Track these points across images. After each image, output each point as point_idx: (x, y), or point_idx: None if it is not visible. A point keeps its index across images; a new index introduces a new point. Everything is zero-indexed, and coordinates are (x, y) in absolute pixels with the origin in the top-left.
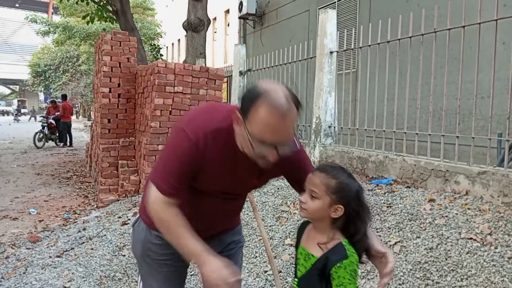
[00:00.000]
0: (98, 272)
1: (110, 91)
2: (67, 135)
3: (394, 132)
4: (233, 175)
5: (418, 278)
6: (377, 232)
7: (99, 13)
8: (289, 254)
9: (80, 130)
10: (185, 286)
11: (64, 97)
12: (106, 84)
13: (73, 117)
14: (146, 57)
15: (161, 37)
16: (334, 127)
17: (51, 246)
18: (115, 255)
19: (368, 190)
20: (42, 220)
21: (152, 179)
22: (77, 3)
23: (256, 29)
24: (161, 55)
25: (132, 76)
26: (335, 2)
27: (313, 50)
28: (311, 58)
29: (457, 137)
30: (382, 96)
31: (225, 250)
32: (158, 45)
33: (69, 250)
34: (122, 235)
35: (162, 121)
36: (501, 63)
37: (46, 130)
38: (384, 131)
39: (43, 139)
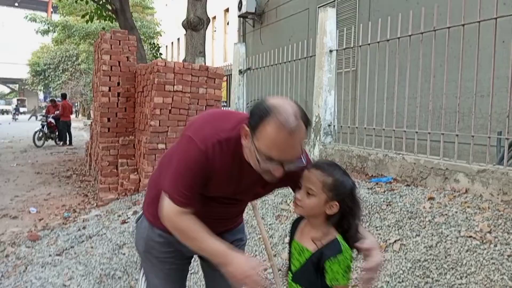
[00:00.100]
0: (98, 271)
1: (109, 90)
2: (67, 134)
3: (394, 130)
4: (239, 184)
5: (418, 276)
6: (377, 230)
7: (99, 12)
8: (288, 253)
9: (79, 129)
10: (186, 284)
11: (63, 96)
12: (106, 83)
13: (73, 116)
14: (145, 56)
15: (161, 36)
16: (334, 126)
17: (51, 244)
18: (115, 254)
19: (368, 188)
20: (42, 219)
21: (165, 189)
22: (76, 2)
23: (256, 27)
24: (161, 54)
25: (132, 75)
26: (334, 0)
27: (312, 48)
28: (310, 56)
29: (457, 135)
30: (382, 95)
31: None
32: (158, 44)
33: (69, 249)
34: (122, 233)
35: (161, 119)
36: (500, 62)
37: (45, 129)
38: (383, 129)
39: (43, 138)
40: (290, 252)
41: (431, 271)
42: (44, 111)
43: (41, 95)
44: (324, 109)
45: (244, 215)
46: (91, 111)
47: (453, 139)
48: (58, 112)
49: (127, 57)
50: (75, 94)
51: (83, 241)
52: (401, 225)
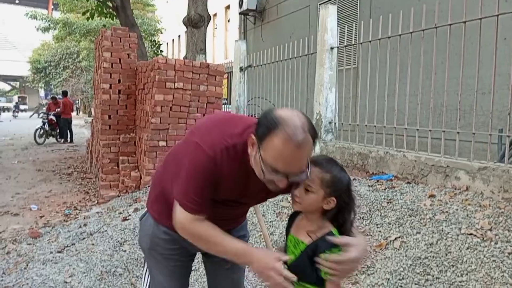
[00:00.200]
0: (99, 268)
1: (110, 87)
2: (68, 131)
3: (395, 128)
4: (244, 189)
5: (418, 273)
6: (378, 227)
7: (99, 9)
8: (284, 247)
9: (80, 126)
10: (189, 280)
11: (64, 93)
12: (107, 80)
13: (74, 114)
14: (146, 53)
15: (161, 33)
16: (335, 123)
17: (52, 241)
18: (116, 251)
19: (369, 186)
20: (43, 216)
21: (176, 198)
22: None
23: (257, 25)
24: (161, 51)
25: (133, 72)
26: None
27: (313, 46)
28: (311, 54)
29: (458, 132)
30: (383, 92)
31: None
32: (159, 41)
33: (70, 246)
34: (123, 230)
35: (162, 117)
36: (502, 59)
37: (46, 127)
38: (384, 127)
39: (44, 136)
40: (286, 246)
41: (432, 269)
42: (45, 108)
43: (42, 93)
44: (325, 107)
45: None
46: (92, 108)
47: (454, 136)
48: (59, 109)
49: (128, 54)
50: (76, 92)
51: (84, 238)
52: (401, 222)
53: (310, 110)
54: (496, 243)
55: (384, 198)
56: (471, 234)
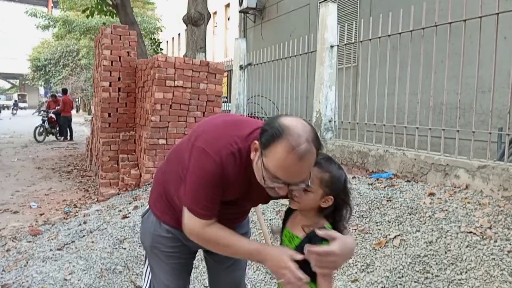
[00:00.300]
0: (99, 265)
1: (110, 85)
2: (68, 129)
3: (395, 126)
4: (248, 192)
5: (418, 271)
6: (377, 225)
7: (99, 7)
8: (280, 241)
9: (80, 124)
10: (190, 278)
11: (64, 91)
12: (106, 78)
13: (74, 112)
14: (146, 51)
15: (161, 31)
16: (335, 122)
17: (51, 239)
18: (116, 248)
19: (368, 184)
20: (43, 214)
21: (186, 205)
22: None
23: (257, 23)
24: (161, 49)
25: (132, 70)
26: None
27: (313, 44)
28: (311, 52)
29: (458, 131)
30: (383, 91)
31: None
32: (158, 39)
33: (69, 243)
34: (122, 228)
35: (162, 115)
36: (502, 58)
37: (46, 124)
38: (384, 125)
39: (44, 133)
40: (281, 241)
41: (431, 267)
42: (45, 106)
43: (41, 91)
44: (324, 105)
45: None
46: (91, 106)
47: (454, 135)
48: (58, 107)
49: (128, 52)
50: (76, 90)
51: (84, 235)
52: (401, 220)
53: (310, 109)
54: (495, 241)
55: (383, 196)
56: (470, 232)
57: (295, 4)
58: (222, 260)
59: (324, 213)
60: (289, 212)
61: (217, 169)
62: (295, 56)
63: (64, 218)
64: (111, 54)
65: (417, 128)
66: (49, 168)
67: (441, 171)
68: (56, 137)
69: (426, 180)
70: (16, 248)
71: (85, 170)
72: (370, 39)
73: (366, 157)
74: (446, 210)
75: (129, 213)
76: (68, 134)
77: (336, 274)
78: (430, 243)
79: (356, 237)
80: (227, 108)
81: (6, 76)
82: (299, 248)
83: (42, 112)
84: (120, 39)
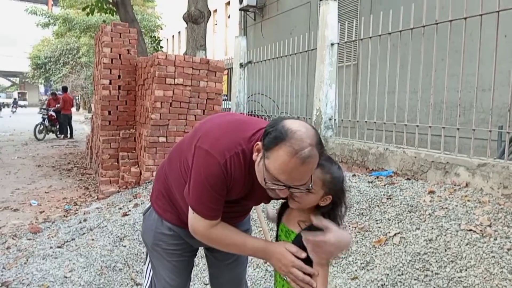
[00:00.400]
0: (99, 263)
1: (110, 83)
2: (68, 127)
3: (395, 124)
4: (250, 191)
5: (418, 269)
6: (377, 223)
7: (99, 4)
8: (276, 236)
9: (80, 122)
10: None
11: (64, 89)
12: (106, 76)
13: (74, 110)
14: (146, 49)
15: (161, 29)
16: (335, 120)
17: (52, 237)
18: (116, 246)
19: (368, 182)
20: (43, 211)
21: (192, 206)
22: None
23: (257, 21)
24: (161, 47)
25: (133, 68)
26: None
27: (314, 42)
28: (312, 50)
29: (458, 129)
30: (383, 89)
31: None
32: (158, 37)
33: (70, 241)
34: (123, 226)
35: (162, 113)
36: (502, 56)
37: (46, 122)
38: (384, 123)
39: (44, 131)
40: (277, 235)
41: (431, 264)
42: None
43: (42, 88)
44: (325, 103)
45: None
46: (92, 104)
47: (454, 133)
48: (59, 105)
49: (128, 50)
50: (76, 88)
51: (84, 233)
52: (401, 218)
53: (310, 107)
54: (495, 239)
55: (383, 194)
56: (470, 230)
57: (295, 2)
58: (224, 257)
59: (321, 210)
60: (284, 206)
61: (221, 171)
62: (295, 54)
63: (64, 215)
64: (111, 52)
65: (417, 126)
66: (49, 166)
67: (441, 169)
68: (56, 135)
69: (426, 178)
70: (16, 245)
71: (85, 168)
72: (370, 37)
73: (366, 155)
74: (446, 208)
75: (129, 211)
76: (68, 132)
77: (336, 271)
78: (430, 241)
79: (356, 234)
80: (227, 106)
81: (6, 74)
82: (296, 243)
83: (42, 110)
84: (120, 37)
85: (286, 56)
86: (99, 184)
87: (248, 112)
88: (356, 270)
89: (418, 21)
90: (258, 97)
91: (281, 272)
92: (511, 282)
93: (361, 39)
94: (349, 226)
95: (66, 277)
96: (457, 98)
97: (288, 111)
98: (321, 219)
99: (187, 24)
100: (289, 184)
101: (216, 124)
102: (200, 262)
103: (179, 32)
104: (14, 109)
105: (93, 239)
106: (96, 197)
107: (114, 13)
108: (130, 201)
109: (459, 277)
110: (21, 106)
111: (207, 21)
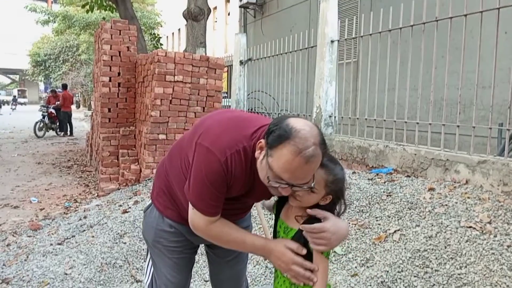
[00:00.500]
0: (99, 259)
1: (110, 80)
2: (68, 124)
3: (395, 121)
4: (251, 188)
5: (417, 266)
6: (377, 220)
7: (99, 1)
8: (274, 231)
9: (80, 120)
10: (192, 273)
11: (64, 86)
12: (106, 73)
13: (74, 107)
14: (146, 47)
15: (161, 26)
16: (335, 117)
17: (52, 234)
18: (116, 243)
19: (368, 179)
20: (43, 209)
21: (192, 202)
22: None
23: (257, 18)
24: (161, 44)
25: (132, 65)
26: None
27: (314, 39)
28: (312, 47)
29: (458, 126)
30: (383, 86)
31: None
32: (158, 35)
33: (70, 238)
34: (123, 223)
35: (162, 110)
36: (503, 53)
37: (46, 120)
38: (384, 120)
39: (44, 129)
40: (275, 231)
41: (431, 261)
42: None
43: (41, 86)
44: (325, 100)
45: None
46: (91, 102)
47: (454, 130)
48: (58, 102)
49: (128, 47)
50: (76, 85)
51: (84, 230)
52: (401, 215)
53: (310, 104)
54: (495, 236)
55: (383, 191)
56: (470, 227)
57: None
58: (224, 254)
59: (320, 208)
60: (281, 201)
61: (222, 168)
62: (296, 51)
63: (64, 213)
64: (111, 49)
65: (418, 123)
66: (49, 163)
67: (441, 166)
68: (56, 132)
69: (426, 175)
70: (16, 242)
71: (85, 165)
72: (370, 34)
73: (366, 152)
74: (446, 205)
75: (129, 208)
76: (68, 129)
77: (335, 268)
78: (429, 237)
79: (356, 231)
80: (227, 104)
81: (6, 72)
82: (295, 239)
83: (41, 108)
84: (120, 34)
85: (286, 53)
86: (99, 182)
87: (248, 110)
88: (356, 267)
89: (418, 18)
90: (258, 94)
91: (281, 269)
92: (510, 279)
93: (361, 36)
94: (349, 223)
95: (66, 274)
96: (457, 95)
97: (288, 108)
98: (317, 210)
99: (187, 21)
100: (292, 182)
101: (217, 121)
102: (201, 259)
103: (179, 30)
104: (13, 107)
105: (93, 236)
106: (96, 194)
107: (114, 10)
108: (130, 198)
109: (459, 274)
110: (21, 104)
111: (207, 18)
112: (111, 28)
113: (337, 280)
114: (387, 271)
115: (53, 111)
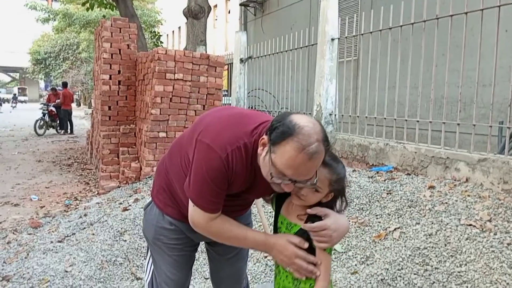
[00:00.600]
0: (99, 257)
1: (110, 78)
2: (68, 122)
3: (395, 119)
4: (252, 184)
5: (417, 263)
6: (377, 218)
7: None
8: (274, 227)
9: (81, 118)
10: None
11: (64, 84)
12: (106, 71)
13: (74, 105)
14: (146, 45)
15: (161, 24)
16: (335, 115)
17: (52, 231)
18: (116, 240)
19: (368, 177)
20: (44, 206)
21: (192, 199)
22: None
23: (257, 16)
24: (162, 42)
25: (133, 63)
26: None
27: (314, 37)
28: (312, 45)
29: (458, 124)
30: (383, 84)
31: None
32: (158, 33)
33: (70, 236)
34: (123, 220)
35: (162, 108)
36: (503, 51)
37: (46, 118)
38: (385, 118)
39: (44, 127)
40: (277, 227)
41: (431, 259)
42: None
43: (42, 84)
44: (325, 98)
45: None
46: (92, 99)
47: (454, 128)
48: (59, 100)
49: (128, 45)
50: (76, 83)
51: (84, 228)
52: (401, 213)
53: (310, 102)
54: (495, 234)
55: (383, 189)
56: (470, 225)
57: None
58: (224, 251)
59: (321, 205)
60: (280, 197)
61: (222, 164)
62: (296, 49)
63: (64, 210)
64: (111, 47)
65: (418, 121)
66: (49, 161)
67: (441, 164)
68: (57, 130)
69: (426, 173)
70: (17, 240)
71: (86, 163)
72: (371, 32)
73: (367, 150)
74: (446, 203)
75: (130, 205)
76: (69, 127)
77: (336, 266)
78: (429, 235)
79: (356, 229)
80: (228, 102)
81: (6, 70)
82: (299, 235)
83: (42, 106)
84: (120, 32)
85: (286, 51)
86: (100, 179)
87: (249, 108)
88: (356, 265)
89: (419, 16)
90: (258, 92)
91: (283, 264)
92: (510, 276)
93: (362, 34)
94: (349, 221)
95: (66, 272)
96: (458, 93)
97: (289, 106)
98: (317, 208)
99: (187, 19)
100: (295, 178)
101: (217, 118)
102: (201, 257)
103: (179, 27)
104: (14, 105)
105: (93, 234)
106: (96, 192)
107: (114, 8)
108: (130, 196)
109: (458, 272)
110: (21, 102)
111: (207, 16)
112: (111, 26)
113: (337, 277)
114: (387, 269)
115: (54, 109)
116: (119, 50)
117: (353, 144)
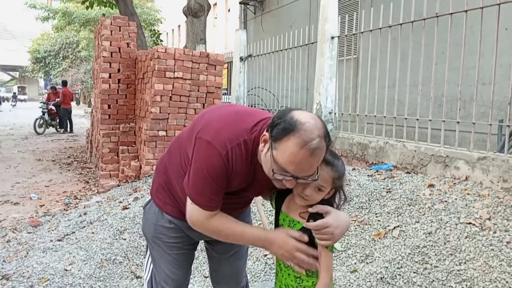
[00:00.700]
0: (99, 256)
1: (110, 77)
2: (68, 121)
3: (395, 118)
4: (252, 182)
5: (417, 262)
6: (377, 216)
7: None
8: (275, 224)
9: (80, 116)
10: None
11: (64, 83)
12: (106, 69)
13: (73, 104)
14: (146, 43)
15: (161, 22)
16: (335, 113)
17: (52, 230)
18: (116, 239)
19: (368, 175)
20: (43, 205)
21: (191, 197)
22: None
23: (257, 14)
24: (161, 40)
25: (132, 61)
26: None
27: (314, 35)
28: (312, 43)
29: (458, 123)
30: (383, 82)
31: None
32: (158, 31)
33: (70, 234)
34: (123, 219)
35: (162, 106)
36: (503, 49)
37: (46, 116)
38: (384, 117)
39: (44, 125)
40: (278, 224)
41: (430, 257)
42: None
43: (41, 83)
44: (325, 97)
45: None
46: (91, 98)
47: (454, 126)
48: (58, 99)
49: (128, 43)
50: (76, 82)
51: (84, 226)
52: (400, 211)
53: (310, 100)
54: (494, 232)
55: (383, 188)
56: (470, 223)
57: None
58: (224, 250)
59: (322, 202)
60: (280, 194)
61: (222, 162)
62: (296, 47)
63: (64, 209)
64: (110, 45)
65: (418, 119)
66: (49, 160)
67: (441, 163)
68: (56, 129)
69: (426, 172)
70: (16, 239)
71: (85, 162)
72: (371, 30)
73: (366, 148)
74: (446, 201)
75: (129, 204)
76: (68, 126)
77: (335, 264)
78: (429, 234)
79: (356, 228)
80: (227, 100)
81: (5, 68)
82: (302, 231)
83: (42, 104)
84: (120, 30)
85: (286, 49)
86: (99, 178)
87: (248, 106)
88: (355, 263)
89: (419, 14)
90: (258, 91)
91: (284, 258)
92: (510, 275)
93: (362, 32)
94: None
95: (66, 270)
96: (458, 92)
97: (288, 104)
98: (318, 206)
99: (187, 17)
100: (297, 174)
101: (216, 115)
102: (200, 255)
103: (179, 26)
104: (14, 103)
105: (93, 233)
106: (96, 191)
107: (114, 7)
108: (130, 194)
109: (458, 270)
110: (21, 100)
111: (207, 15)
112: (111, 24)
113: (336, 276)
114: (387, 267)
115: (53, 107)
116: (119, 48)
117: (352, 142)
